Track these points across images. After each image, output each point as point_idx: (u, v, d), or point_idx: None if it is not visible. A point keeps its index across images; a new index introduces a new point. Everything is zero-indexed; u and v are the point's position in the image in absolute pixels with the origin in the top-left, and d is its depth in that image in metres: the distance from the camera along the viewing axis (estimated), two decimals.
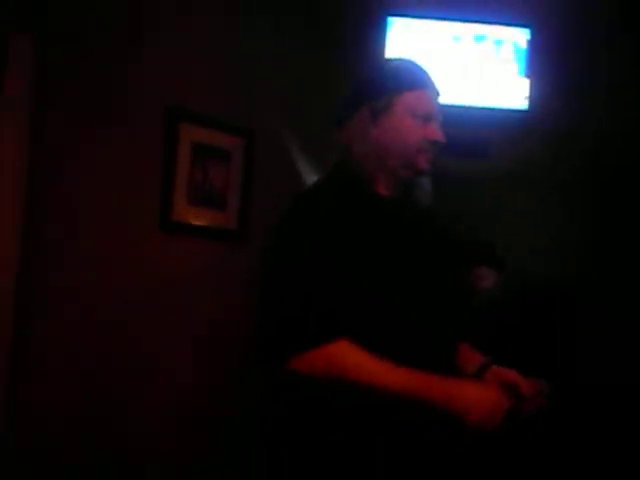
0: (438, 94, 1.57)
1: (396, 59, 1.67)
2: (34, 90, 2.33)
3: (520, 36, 3.20)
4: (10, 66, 2.33)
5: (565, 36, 3.20)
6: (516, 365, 2.74)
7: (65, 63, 2.41)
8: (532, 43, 3.16)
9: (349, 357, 1.37)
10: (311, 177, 3.03)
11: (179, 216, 2.64)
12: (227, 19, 2.91)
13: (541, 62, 3.16)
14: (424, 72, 1.57)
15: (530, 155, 3.16)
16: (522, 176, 3.16)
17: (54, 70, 2.38)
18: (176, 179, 2.65)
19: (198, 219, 2.70)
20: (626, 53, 3.18)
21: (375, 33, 3.29)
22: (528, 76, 3.15)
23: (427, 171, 1.55)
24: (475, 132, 3.27)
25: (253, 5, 3.01)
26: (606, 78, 3.17)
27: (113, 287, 2.50)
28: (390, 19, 3.28)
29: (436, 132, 1.53)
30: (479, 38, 3.24)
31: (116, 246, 2.50)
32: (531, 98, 3.13)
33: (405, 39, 3.27)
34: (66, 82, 2.41)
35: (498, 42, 3.22)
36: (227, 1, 2.92)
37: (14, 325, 2.26)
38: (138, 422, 2.54)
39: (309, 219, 1.46)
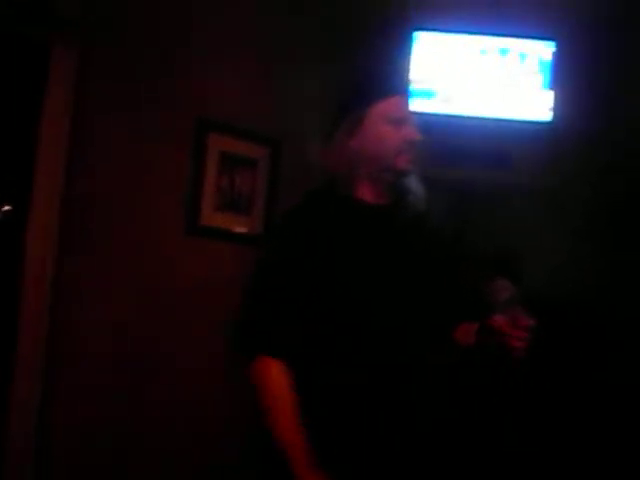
0: (408, 96, 1.64)
1: (365, 70, 1.78)
2: (74, 102, 2.50)
3: (545, 49, 3.23)
4: (51, 79, 2.50)
5: (590, 49, 3.21)
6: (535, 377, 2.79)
7: (101, 77, 2.57)
8: (557, 56, 3.20)
9: (271, 385, 1.47)
10: None
11: (206, 221, 2.77)
12: (259, 33, 3.05)
13: (566, 75, 3.18)
14: (392, 78, 1.67)
15: (553, 167, 3.18)
16: (544, 188, 3.18)
17: (91, 86, 2.54)
18: (204, 186, 2.78)
19: (225, 224, 2.82)
20: None
21: (401, 48, 3.37)
22: (552, 88, 3.18)
23: (409, 171, 1.61)
24: (499, 144, 3.31)
25: (286, 21, 3.15)
26: (631, 92, 3.18)
27: (143, 288, 2.64)
28: (416, 34, 3.36)
29: (411, 132, 1.59)
30: (504, 51, 3.29)
31: (146, 249, 2.65)
32: (555, 110, 3.16)
33: (431, 53, 3.35)
34: (102, 95, 2.57)
35: (523, 55, 3.27)
36: (258, 12, 3.06)
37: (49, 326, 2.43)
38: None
39: (287, 231, 1.59)
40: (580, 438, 2.80)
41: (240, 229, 2.90)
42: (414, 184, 1.66)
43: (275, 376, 1.48)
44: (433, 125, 3.30)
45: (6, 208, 2.69)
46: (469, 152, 3.35)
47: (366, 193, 1.61)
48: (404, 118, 1.59)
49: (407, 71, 3.30)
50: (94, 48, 2.54)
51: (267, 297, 1.53)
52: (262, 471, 1.54)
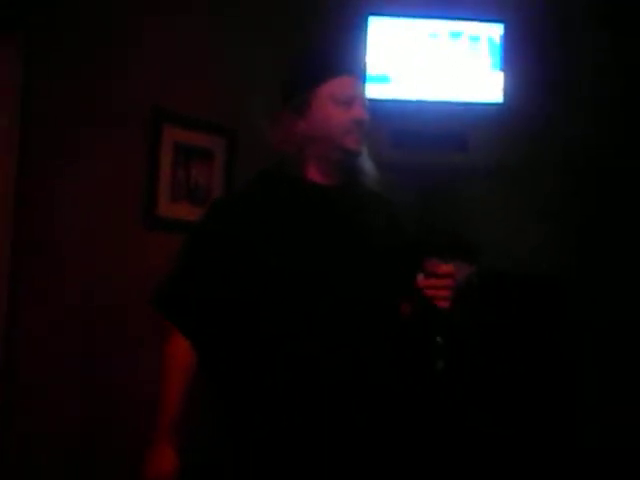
0: (356, 75, 1.63)
1: (309, 51, 1.78)
2: (20, 91, 2.47)
3: (494, 31, 3.27)
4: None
5: (538, 30, 3.27)
6: (496, 357, 2.85)
7: (49, 65, 2.54)
8: (506, 38, 3.24)
9: (173, 360, 1.55)
10: None
11: (162, 212, 2.77)
12: (210, 19, 3.05)
13: (515, 56, 3.23)
14: (337, 59, 1.65)
15: (507, 147, 3.23)
16: (501, 167, 3.23)
17: (39, 72, 2.51)
18: (160, 177, 2.77)
19: (182, 215, 2.82)
20: (600, 44, 3.26)
21: (356, 33, 3.38)
22: (503, 70, 3.23)
23: (358, 151, 1.61)
24: (454, 126, 3.35)
25: (237, 6, 3.14)
26: (579, 69, 3.25)
27: (98, 282, 2.63)
28: (370, 19, 3.38)
29: (359, 111, 1.59)
30: (455, 34, 3.33)
31: (101, 242, 2.64)
32: (506, 91, 3.20)
33: (385, 38, 3.37)
34: (51, 84, 2.54)
35: (473, 38, 3.31)
36: (211, 1, 3.05)
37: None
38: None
39: (222, 208, 1.64)
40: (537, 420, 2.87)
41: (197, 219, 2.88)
42: (366, 165, 1.67)
43: (180, 355, 1.54)
44: (388, 110, 3.35)
45: None
46: (425, 136, 3.38)
47: (315, 174, 1.62)
48: (352, 98, 1.59)
49: (362, 56, 3.32)
50: (42, 35, 2.50)
51: (189, 270, 1.57)
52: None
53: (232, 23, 3.11)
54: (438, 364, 1.55)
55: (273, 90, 3.10)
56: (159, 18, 2.85)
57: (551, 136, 3.30)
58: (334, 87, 1.58)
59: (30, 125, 2.48)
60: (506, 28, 3.24)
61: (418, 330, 1.62)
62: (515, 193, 3.30)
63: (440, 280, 1.50)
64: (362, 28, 3.35)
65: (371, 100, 3.21)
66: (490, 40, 3.27)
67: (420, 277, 1.51)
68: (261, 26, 3.23)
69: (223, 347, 1.55)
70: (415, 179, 3.24)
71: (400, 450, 1.57)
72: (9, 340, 2.41)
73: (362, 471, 1.48)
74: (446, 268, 1.51)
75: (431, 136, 3.37)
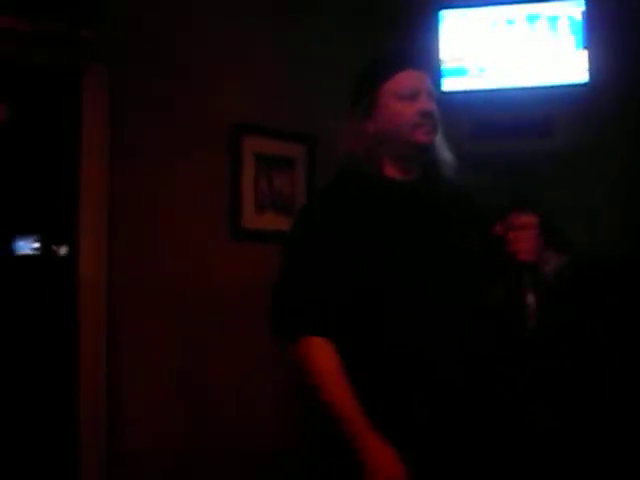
0: (419, 69, 1.62)
1: (374, 57, 1.74)
2: (109, 115, 2.58)
3: (574, 9, 3.14)
4: (85, 106, 2.58)
5: (620, 3, 3.11)
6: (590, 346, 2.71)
7: (132, 91, 2.65)
8: (587, 14, 3.10)
9: (319, 364, 1.47)
10: None
11: (247, 223, 2.80)
12: (287, 26, 3.08)
13: (599, 32, 3.08)
14: (396, 56, 1.65)
15: (594, 129, 3.08)
16: (589, 151, 3.08)
17: (125, 97, 2.62)
18: (243, 189, 2.81)
19: (267, 225, 2.84)
20: None
21: (429, 28, 3.33)
22: (586, 48, 3.09)
23: (430, 143, 1.59)
24: (538, 112, 3.23)
25: (315, 12, 3.17)
26: None
27: (191, 297, 2.70)
28: (441, 12, 3.31)
29: (425, 103, 1.58)
30: (532, 18, 3.21)
31: (191, 257, 2.71)
32: (591, 70, 3.06)
33: (459, 30, 3.30)
34: (135, 105, 2.65)
35: (552, 18, 3.18)
36: (290, 9, 3.09)
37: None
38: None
39: (315, 209, 1.62)
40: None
41: (283, 229, 2.90)
42: (443, 156, 1.65)
43: (322, 355, 1.47)
44: (468, 103, 3.28)
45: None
46: (507, 125, 3.28)
47: (392, 170, 1.62)
48: (415, 92, 1.58)
49: (437, 50, 3.27)
50: (122, 68, 2.62)
51: (300, 275, 1.53)
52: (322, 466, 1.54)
53: (309, 28, 3.14)
54: (529, 322, 1.50)
55: (349, 93, 3.16)
56: (237, 29, 2.91)
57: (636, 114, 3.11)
58: (396, 83, 1.59)
59: (118, 153, 2.58)
60: (587, 3, 3.10)
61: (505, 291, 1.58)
62: (603, 176, 3.13)
63: (521, 232, 1.48)
64: (435, 23, 3.29)
65: (449, 93, 3.24)
66: (571, 19, 3.13)
67: (499, 227, 1.50)
68: (336, 29, 3.24)
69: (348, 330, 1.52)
70: (498, 170, 3.14)
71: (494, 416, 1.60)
72: (110, 355, 2.51)
73: (462, 434, 1.50)
74: (526, 219, 1.49)
75: (514, 124, 3.26)
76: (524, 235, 1.50)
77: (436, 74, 3.24)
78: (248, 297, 2.74)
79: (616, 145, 3.10)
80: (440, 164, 1.64)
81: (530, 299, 1.50)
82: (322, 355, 1.47)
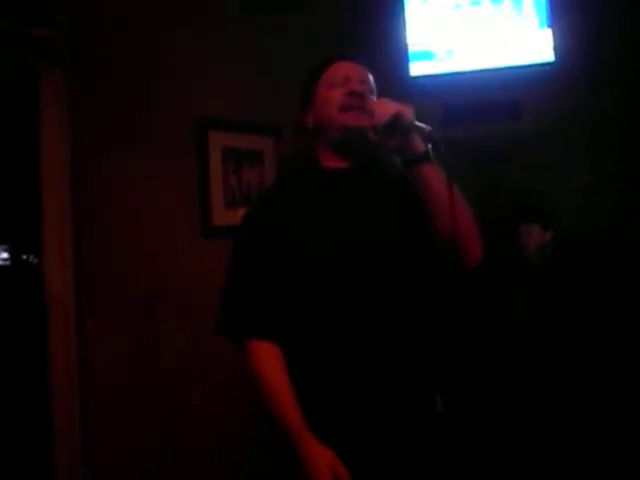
0: (353, 59, 1.64)
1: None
2: (69, 118, 2.49)
3: None
4: (43, 105, 2.48)
5: None
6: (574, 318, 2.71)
7: (94, 91, 2.55)
8: None
9: (258, 365, 1.50)
10: None
11: (217, 220, 2.74)
12: (243, 18, 3.00)
13: (563, 11, 3.07)
14: (335, 51, 1.67)
15: (563, 107, 3.07)
16: (560, 129, 3.07)
17: (83, 99, 2.52)
18: (211, 186, 2.75)
19: (237, 220, 2.77)
20: None
21: (394, 15, 3.28)
22: (551, 27, 3.07)
23: (360, 126, 1.54)
24: (507, 93, 3.22)
25: (268, 4, 3.09)
26: (627, 18, 3.05)
27: (163, 297, 2.63)
28: None
29: (352, 85, 1.59)
30: None
31: (162, 256, 2.64)
32: (556, 48, 3.04)
33: (424, 14, 3.26)
34: (96, 111, 2.56)
35: None
36: (242, 2, 3.01)
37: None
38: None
39: (255, 210, 1.66)
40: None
41: None
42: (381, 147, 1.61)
43: (263, 357, 1.50)
44: (437, 86, 3.24)
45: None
46: (478, 108, 3.26)
47: (328, 159, 1.63)
48: (346, 78, 1.60)
49: (403, 35, 3.23)
50: (82, 64, 2.52)
51: (244, 278, 1.56)
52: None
53: (265, 20, 3.06)
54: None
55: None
56: (201, 26, 2.84)
57: (605, 86, 3.10)
58: (328, 73, 1.63)
59: (80, 156, 2.49)
60: None
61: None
62: (577, 153, 3.13)
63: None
64: (399, 7, 3.25)
65: (417, 77, 3.20)
66: None
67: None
68: (295, 21, 3.17)
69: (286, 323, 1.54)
70: (471, 153, 3.11)
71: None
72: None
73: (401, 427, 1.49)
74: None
75: (484, 107, 3.25)
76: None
77: (403, 59, 3.21)
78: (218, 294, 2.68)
79: (585, 119, 3.09)
80: (377, 152, 1.62)
81: None
82: (263, 357, 1.50)
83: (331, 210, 1.57)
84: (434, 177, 1.48)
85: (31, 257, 2.75)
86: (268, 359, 1.49)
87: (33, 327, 2.47)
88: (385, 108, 1.47)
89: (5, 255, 3.04)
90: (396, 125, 1.45)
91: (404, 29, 3.25)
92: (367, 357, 1.47)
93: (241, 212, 2.75)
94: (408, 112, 1.46)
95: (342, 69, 1.62)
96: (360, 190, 1.60)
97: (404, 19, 3.25)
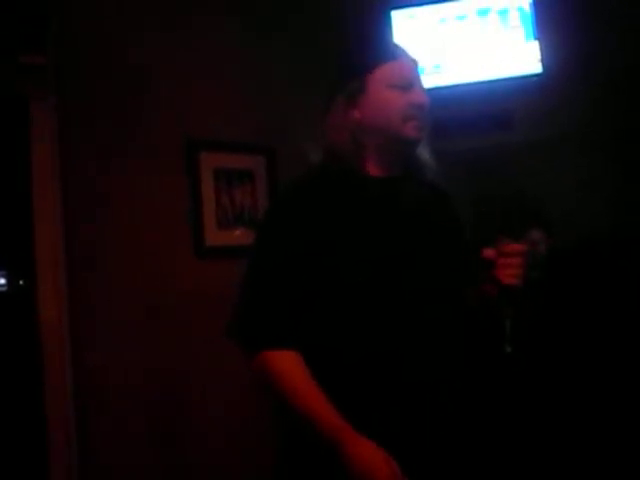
0: (413, 61, 1.51)
1: (359, 37, 1.63)
2: (60, 140, 2.49)
3: (523, 1, 3.14)
4: (33, 132, 2.49)
5: None
6: (581, 330, 2.70)
7: (82, 109, 2.56)
8: (536, 5, 3.10)
9: (288, 375, 1.35)
10: None
11: (210, 240, 2.74)
12: (238, 39, 3.02)
13: (548, 23, 3.09)
14: (391, 44, 1.53)
15: (553, 118, 3.08)
16: (550, 138, 3.08)
17: (73, 117, 2.53)
18: (203, 206, 2.74)
19: (229, 240, 2.77)
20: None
21: (380, 30, 3.30)
22: (537, 39, 3.09)
23: (419, 139, 1.48)
24: (496, 105, 3.23)
25: (264, 20, 3.12)
26: (614, 28, 3.06)
27: (160, 319, 2.62)
28: (393, 13, 3.29)
29: (418, 96, 1.46)
30: (483, 12, 3.21)
31: (158, 278, 2.63)
32: (543, 60, 3.06)
33: (410, 29, 3.28)
34: (88, 131, 2.56)
35: (502, 12, 3.18)
36: (242, 22, 3.03)
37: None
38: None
39: (285, 201, 1.48)
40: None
41: (246, 242, 2.84)
42: (424, 154, 1.55)
43: (290, 365, 1.36)
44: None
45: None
46: (469, 121, 3.27)
47: (373, 166, 1.50)
48: (410, 82, 1.46)
49: None
50: (71, 91, 2.53)
51: (271, 282, 1.40)
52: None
53: (259, 40, 3.08)
54: (506, 348, 1.45)
55: (306, 98, 3.12)
56: (192, 46, 2.85)
57: (593, 95, 3.11)
58: (389, 71, 1.46)
59: (71, 180, 2.50)
60: None
61: (488, 313, 1.51)
62: (567, 162, 3.13)
63: (510, 259, 1.42)
64: (386, 23, 3.27)
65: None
66: (520, 10, 3.14)
67: (488, 250, 1.45)
68: (285, 39, 3.18)
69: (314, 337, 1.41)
70: (463, 165, 3.12)
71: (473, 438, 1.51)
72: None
73: (444, 457, 1.42)
74: (517, 247, 1.44)
75: (475, 119, 3.26)
76: (514, 262, 1.43)
77: None
78: (215, 316, 2.65)
79: (575, 129, 3.10)
80: (420, 162, 1.54)
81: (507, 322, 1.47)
82: (290, 365, 1.36)
83: (376, 221, 1.44)
84: None
85: (27, 283, 2.73)
86: (296, 365, 1.35)
87: (28, 353, 2.44)
88: (515, 276, 1.43)
89: (2, 281, 3.03)
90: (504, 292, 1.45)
91: None
92: (406, 376, 1.39)
93: (237, 232, 2.82)
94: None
95: (406, 71, 1.47)
96: (403, 202, 1.50)
97: (391, 35, 3.26)
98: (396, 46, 1.52)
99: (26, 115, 2.48)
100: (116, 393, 2.49)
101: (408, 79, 1.47)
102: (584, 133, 3.08)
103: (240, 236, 2.79)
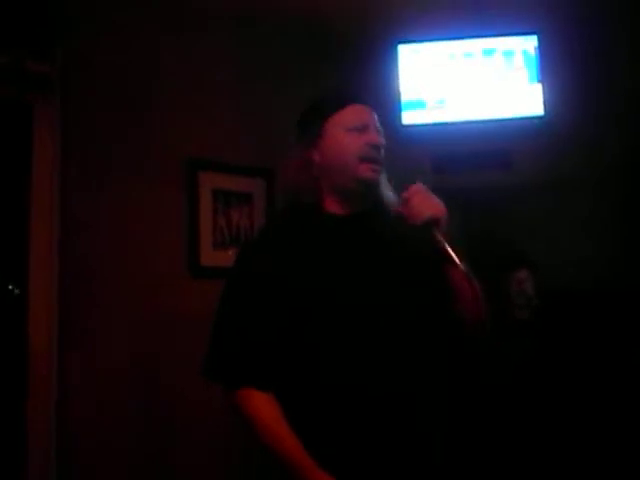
0: (369, 106, 1.61)
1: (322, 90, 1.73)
2: (61, 151, 2.51)
3: (528, 44, 3.19)
4: (36, 140, 2.50)
5: (573, 37, 3.16)
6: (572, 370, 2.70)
7: (84, 125, 2.57)
8: (541, 48, 3.15)
9: (256, 412, 1.44)
10: None
11: (206, 261, 2.74)
12: (237, 63, 3.04)
13: (552, 66, 3.13)
14: (347, 91, 1.64)
15: (552, 160, 3.12)
16: (547, 182, 3.11)
17: (78, 133, 2.55)
18: (200, 226, 2.75)
19: (225, 261, 2.77)
20: (632, 46, 3.13)
21: (387, 63, 3.34)
22: (541, 82, 3.13)
23: (374, 180, 1.56)
24: (496, 144, 3.25)
25: (267, 46, 3.15)
26: (617, 74, 3.12)
27: (151, 337, 2.60)
28: (399, 47, 3.33)
29: (373, 136, 1.56)
30: (488, 52, 3.25)
31: (149, 293, 2.62)
32: (546, 103, 3.10)
33: (416, 64, 3.32)
34: (87, 150, 2.57)
35: (507, 53, 3.23)
36: (241, 50, 3.06)
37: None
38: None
39: (246, 253, 1.59)
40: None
41: None
42: (385, 193, 1.62)
43: (263, 407, 1.44)
44: (428, 136, 3.28)
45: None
46: (468, 157, 3.30)
47: (333, 204, 1.58)
48: (364, 125, 1.56)
49: (396, 84, 3.28)
50: (75, 102, 2.55)
51: (238, 322, 1.48)
52: None
53: (262, 64, 3.11)
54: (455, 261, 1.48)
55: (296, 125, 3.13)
56: (192, 63, 2.87)
57: (594, 143, 3.15)
58: (345, 115, 1.57)
59: (70, 193, 2.51)
60: (540, 39, 3.16)
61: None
62: (564, 207, 3.16)
63: (411, 200, 1.49)
64: (392, 57, 3.31)
65: (409, 126, 3.24)
66: (525, 53, 3.19)
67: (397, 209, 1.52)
68: (288, 63, 3.22)
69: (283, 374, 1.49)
70: (460, 201, 3.14)
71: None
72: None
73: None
74: (412, 187, 1.50)
75: (473, 157, 3.29)
76: (415, 200, 1.49)
77: (395, 107, 3.25)
78: (208, 335, 2.64)
79: (573, 174, 3.12)
80: (382, 200, 1.60)
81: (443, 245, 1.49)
82: (261, 405, 1.44)
83: (335, 259, 1.51)
84: (456, 277, 1.48)
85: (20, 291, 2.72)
86: (267, 407, 1.44)
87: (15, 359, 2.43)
88: (423, 209, 1.46)
89: None
90: (426, 228, 1.47)
91: (397, 78, 3.30)
92: (369, 408, 1.42)
93: (231, 252, 2.83)
94: (442, 221, 1.47)
95: (360, 114, 1.58)
96: (362, 239, 1.56)
97: (397, 68, 3.31)
98: (351, 92, 1.64)
99: (29, 123, 2.50)
100: (101, 413, 2.47)
101: (363, 121, 1.57)
102: (582, 179, 3.11)
103: (234, 257, 2.78)
